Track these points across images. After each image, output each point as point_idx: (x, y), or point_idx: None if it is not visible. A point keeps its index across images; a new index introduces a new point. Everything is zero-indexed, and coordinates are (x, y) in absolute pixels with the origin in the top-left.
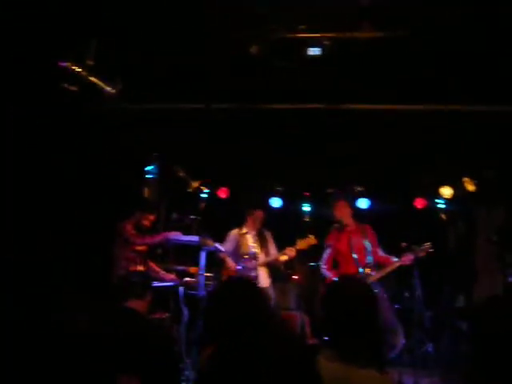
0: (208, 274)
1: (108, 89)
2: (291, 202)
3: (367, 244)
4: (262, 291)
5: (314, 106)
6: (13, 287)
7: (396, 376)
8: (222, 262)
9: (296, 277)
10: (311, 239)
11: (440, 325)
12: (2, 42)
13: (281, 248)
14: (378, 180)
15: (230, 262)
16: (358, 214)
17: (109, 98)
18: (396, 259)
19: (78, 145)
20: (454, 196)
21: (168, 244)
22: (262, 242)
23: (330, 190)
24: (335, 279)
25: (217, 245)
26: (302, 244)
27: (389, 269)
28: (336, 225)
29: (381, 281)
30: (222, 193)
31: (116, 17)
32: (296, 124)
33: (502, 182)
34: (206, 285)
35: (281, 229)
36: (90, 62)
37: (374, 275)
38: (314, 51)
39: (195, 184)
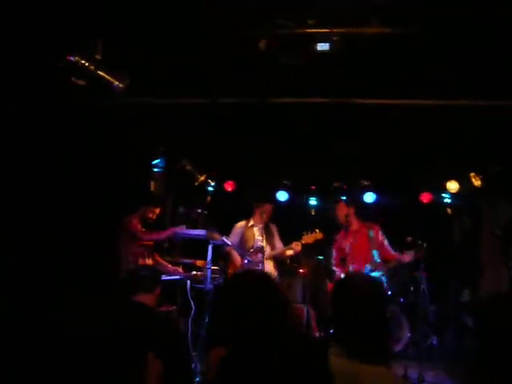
0: (215, 268)
1: (116, 83)
2: (297, 195)
3: (372, 242)
4: (274, 282)
5: (320, 100)
6: (13, 287)
7: (401, 369)
8: (229, 255)
9: (302, 270)
10: (317, 234)
11: (445, 319)
12: (8, 37)
13: (286, 242)
14: (384, 174)
15: (237, 256)
16: (364, 210)
17: (116, 93)
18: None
19: (84, 139)
20: (460, 191)
21: (175, 238)
22: (267, 235)
23: (336, 184)
24: (343, 276)
25: (224, 238)
26: (308, 238)
27: (391, 265)
28: (344, 224)
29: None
30: (229, 186)
31: (125, 13)
32: (303, 119)
33: (507, 177)
34: (212, 278)
35: (287, 223)
36: (98, 57)
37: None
38: (322, 47)
39: (201, 178)
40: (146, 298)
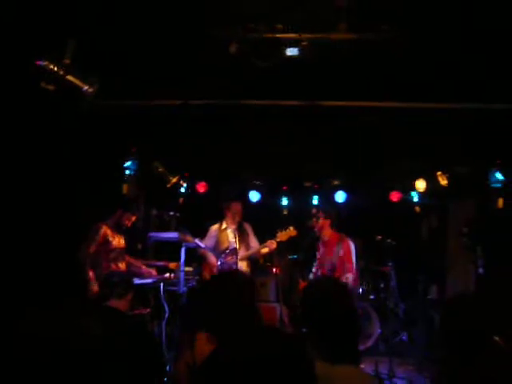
0: (189, 269)
1: (85, 88)
2: (269, 195)
3: (334, 255)
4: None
5: (291, 102)
6: None
7: (372, 365)
8: (203, 257)
9: (275, 269)
10: (291, 231)
11: (414, 315)
12: None
13: (260, 241)
14: (354, 174)
15: (211, 258)
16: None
17: (86, 97)
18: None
19: (54, 143)
20: (428, 190)
21: (148, 240)
22: (241, 235)
23: (307, 184)
24: (311, 280)
25: (197, 241)
26: (282, 236)
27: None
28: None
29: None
30: (201, 187)
31: (94, 16)
32: (274, 120)
33: (473, 177)
34: (186, 280)
35: (260, 222)
36: (67, 61)
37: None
38: (291, 51)
39: (174, 179)
40: (119, 304)
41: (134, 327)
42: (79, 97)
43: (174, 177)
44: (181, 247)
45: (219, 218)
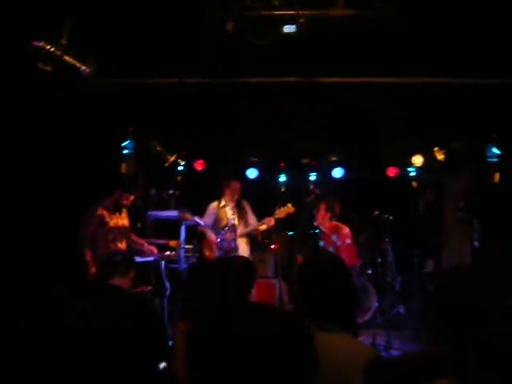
0: (188, 246)
1: (83, 68)
2: (267, 172)
3: (332, 245)
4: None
5: (288, 79)
6: None
7: (370, 337)
8: (202, 235)
9: (273, 246)
10: (289, 208)
11: (411, 288)
12: None
13: (259, 218)
14: (352, 150)
15: (210, 235)
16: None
17: (83, 77)
18: None
19: (51, 124)
20: (425, 165)
21: (148, 219)
22: (240, 213)
23: (305, 160)
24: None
25: (196, 219)
26: (280, 213)
27: None
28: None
29: None
30: (199, 165)
31: None
32: (271, 97)
33: (469, 152)
34: (186, 257)
35: (258, 199)
36: (64, 42)
37: None
38: (289, 29)
39: (172, 158)
40: (122, 282)
41: (137, 305)
42: (77, 77)
43: (171, 155)
44: (180, 225)
45: (217, 196)
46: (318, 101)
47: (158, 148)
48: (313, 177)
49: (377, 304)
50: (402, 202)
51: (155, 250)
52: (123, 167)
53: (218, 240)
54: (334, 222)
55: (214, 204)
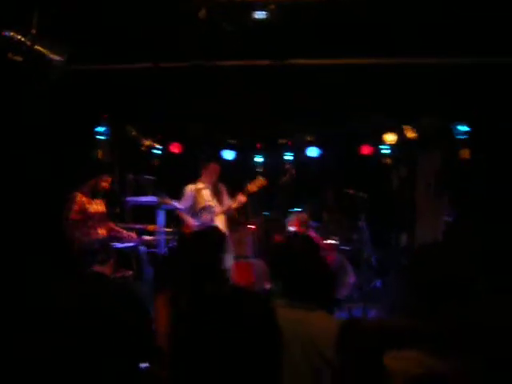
0: (168, 229)
1: (54, 57)
2: (244, 154)
3: None
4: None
5: (262, 62)
6: None
7: (346, 312)
8: (181, 218)
9: (251, 226)
10: (261, 180)
11: (387, 263)
12: None
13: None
14: (326, 130)
15: (188, 219)
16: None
17: (55, 67)
18: None
19: (25, 112)
20: (397, 142)
21: (126, 205)
22: (217, 195)
23: (281, 141)
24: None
25: (174, 203)
26: (252, 186)
27: None
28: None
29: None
30: (175, 148)
31: None
32: (245, 79)
33: (439, 129)
34: (166, 241)
35: (235, 181)
36: (34, 31)
37: None
38: (260, 15)
39: (147, 142)
40: (102, 270)
41: (118, 288)
42: (48, 66)
43: (147, 140)
44: (159, 210)
45: (195, 178)
46: (292, 82)
47: (133, 133)
48: (289, 157)
49: (354, 279)
50: (376, 179)
51: (134, 236)
52: (99, 153)
53: (196, 223)
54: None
55: (191, 187)
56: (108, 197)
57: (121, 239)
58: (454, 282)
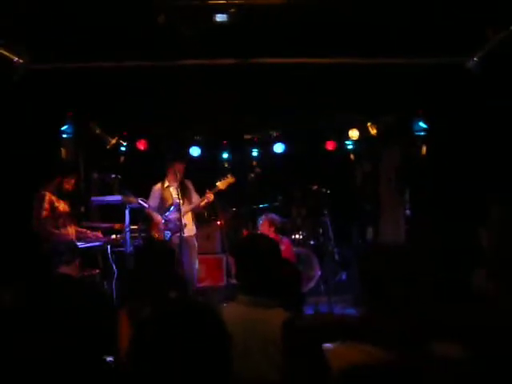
0: (134, 227)
1: (16, 59)
2: (210, 150)
3: None
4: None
5: (226, 61)
6: None
7: (313, 305)
8: (148, 216)
9: (219, 222)
10: (230, 179)
11: (350, 257)
12: None
13: (203, 195)
14: (292, 126)
15: (156, 217)
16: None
17: (17, 68)
18: None
19: None
20: (361, 138)
21: (92, 204)
22: (184, 192)
23: (247, 137)
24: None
25: (140, 201)
26: (221, 185)
27: None
28: None
29: None
30: (141, 145)
31: None
32: (212, 77)
33: (398, 126)
34: (132, 239)
35: (201, 177)
36: None
37: None
38: (221, 17)
39: (113, 140)
40: (68, 270)
41: (85, 287)
42: (10, 68)
43: (112, 137)
44: (125, 209)
45: (161, 176)
46: (257, 80)
47: (98, 131)
48: (255, 153)
49: (319, 273)
50: (340, 174)
51: (100, 235)
52: (63, 152)
53: (163, 221)
54: (278, 236)
55: (158, 185)
56: (72, 197)
57: (87, 238)
58: (394, 279)
